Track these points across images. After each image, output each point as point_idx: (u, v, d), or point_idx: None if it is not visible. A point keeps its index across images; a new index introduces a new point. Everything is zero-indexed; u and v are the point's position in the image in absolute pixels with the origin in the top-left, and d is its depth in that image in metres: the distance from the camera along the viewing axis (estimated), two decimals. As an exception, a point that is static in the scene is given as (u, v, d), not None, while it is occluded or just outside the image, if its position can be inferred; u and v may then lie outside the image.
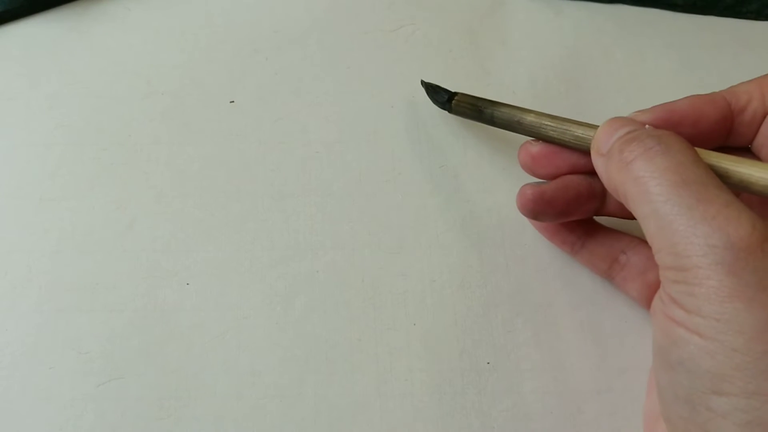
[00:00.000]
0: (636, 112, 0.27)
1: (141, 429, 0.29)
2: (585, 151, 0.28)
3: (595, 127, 0.27)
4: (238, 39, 0.37)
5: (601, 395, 0.30)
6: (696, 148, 0.24)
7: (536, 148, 0.29)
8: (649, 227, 0.22)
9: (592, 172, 0.27)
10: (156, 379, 0.30)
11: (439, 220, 0.33)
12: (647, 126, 0.25)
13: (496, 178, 0.34)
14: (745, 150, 0.28)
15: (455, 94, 0.33)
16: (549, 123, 0.29)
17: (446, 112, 0.34)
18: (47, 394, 0.29)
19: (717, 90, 0.28)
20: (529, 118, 0.30)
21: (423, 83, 0.35)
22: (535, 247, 0.33)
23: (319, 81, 0.37)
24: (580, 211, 0.29)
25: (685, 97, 0.27)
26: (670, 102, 0.27)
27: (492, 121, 0.32)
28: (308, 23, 0.38)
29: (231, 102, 0.36)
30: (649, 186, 0.22)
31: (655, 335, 0.23)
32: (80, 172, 0.33)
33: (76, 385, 0.29)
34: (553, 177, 0.29)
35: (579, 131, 0.28)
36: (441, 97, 0.34)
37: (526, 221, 0.33)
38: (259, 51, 0.37)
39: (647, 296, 0.29)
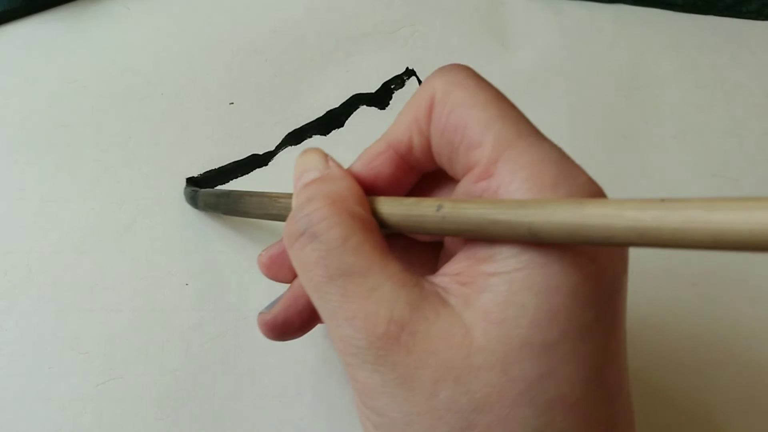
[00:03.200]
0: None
1: (140, 429, 0.29)
2: None
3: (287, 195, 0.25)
4: (237, 40, 0.37)
5: (601, 395, 0.30)
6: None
7: (264, 256, 0.26)
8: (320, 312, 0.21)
9: None
10: (156, 379, 0.30)
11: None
12: (330, 164, 0.23)
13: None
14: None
15: (196, 191, 0.32)
16: (249, 198, 0.27)
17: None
18: (47, 394, 0.29)
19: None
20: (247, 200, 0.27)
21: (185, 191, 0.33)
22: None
23: (319, 83, 0.37)
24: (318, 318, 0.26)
25: (360, 155, 0.24)
26: (352, 165, 0.24)
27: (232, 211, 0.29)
28: (308, 24, 0.38)
29: (230, 103, 0.36)
30: (303, 281, 0.21)
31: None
32: (80, 173, 0.33)
33: (76, 385, 0.29)
34: (291, 279, 0.26)
35: (281, 201, 0.25)
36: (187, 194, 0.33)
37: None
38: (258, 52, 0.37)
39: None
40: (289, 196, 0.24)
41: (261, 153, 0.35)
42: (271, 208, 0.25)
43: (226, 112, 0.36)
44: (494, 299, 0.18)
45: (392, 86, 0.37)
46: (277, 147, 0.35)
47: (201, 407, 0.29)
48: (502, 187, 0.19)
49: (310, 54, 0.37)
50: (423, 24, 0.39)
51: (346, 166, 0.23)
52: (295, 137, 0.35)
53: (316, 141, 0.35)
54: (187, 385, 0.29)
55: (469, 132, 0.20)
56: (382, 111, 0.36)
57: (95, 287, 0.31)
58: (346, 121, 0.36)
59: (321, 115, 0.36)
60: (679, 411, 0.30)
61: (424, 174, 0.23)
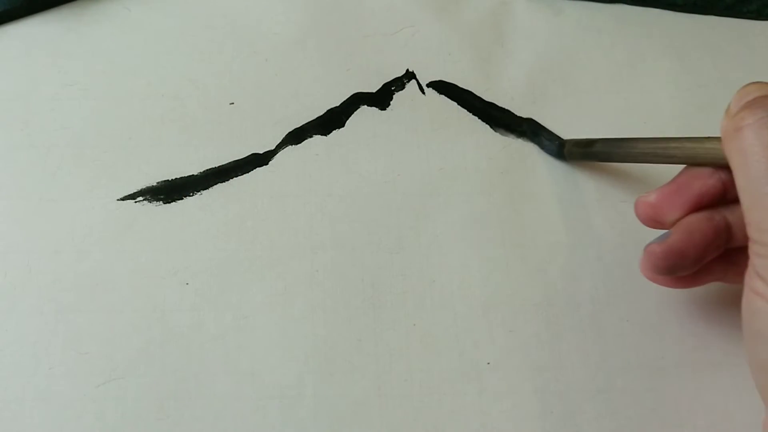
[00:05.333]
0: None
1: (141, 429, 0.29)
2: (710, 168, 0.27)
3: (703, 139, 0.27)
4: (237, 40, 0.38)
5: (602, 395, 0.30)
6: None
7: (653, 196, 0.28)
8: (743, 199, 0.23)
9: (716, 203, 0.27)
10: (156, 379, 0.29)
11: (438, 220, 0.33)
12: None
13: (494, 179, 0.34)
14: None
15: (564, 141, 0.34)
16: (670, 144, 0.28)
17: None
18: (47, 394, 0.29)
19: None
20: (642, 145, 0.29)
21: (525, 126, 0.35)
22: (535, 247, 0.33)
23: (319, 83, 0.37)
24: (711, 252, 0.28)
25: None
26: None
27: (611, 159, 0.32)
28: (308, 25, 0.38)
29: (231, 104, 0.36)
30: (749, 160, 0.22)
31: (742, 308, 0.24)
32: (80, 173, 0.33)
33: (76, 385, 0.29)
34: (678, 219, 0.28)
35: (706, 144, 0.27)
36: (548, 145, 0.34)
37: (526, 222, 0.33)
38: (259, 53, 0.37)
39: None
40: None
41: (261, 152, 0.35)
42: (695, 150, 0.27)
43: (226, 112, 0.36)
44: None
45: (392, 88, 0.37)
46: (277, 146, 0.35)
47: (201, 407, 0.29)
48: None
49: (310, 54, 0.37)
50: (423, 26, 0.39)
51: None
52: (295, 136, 0.35)
53: (316, 140, 0.35)
54: (187, 385, 0.29)
55: None
56: (383, 111, 0.36)
57: (95, 287, 0.31)
58: (347, 121, 0.36)
59: (321, 114, 0.36)
60: (680, 411, 0.30)
61: None
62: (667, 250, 0.27)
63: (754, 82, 0.25)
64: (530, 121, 0.35)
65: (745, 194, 0.23)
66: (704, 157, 0.27)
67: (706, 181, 0.27)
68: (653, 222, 0.28)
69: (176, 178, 0.34)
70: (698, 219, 0.27)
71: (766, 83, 0.25)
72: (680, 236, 0.27)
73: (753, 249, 0.23)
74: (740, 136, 0.23)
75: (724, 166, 0.26)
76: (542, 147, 0.35)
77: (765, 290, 0.22)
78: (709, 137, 0.27)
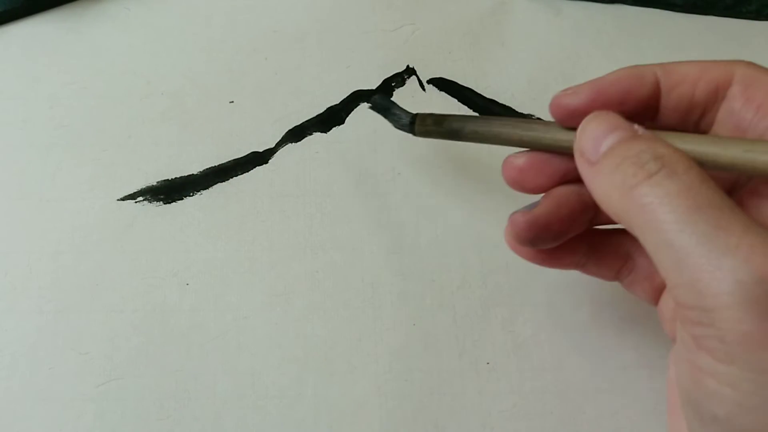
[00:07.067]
0: (565, 91, 0.25)
1: (141, 429, 0.29)
2: (569, 154, 0.25)
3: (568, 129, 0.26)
4: (237, 39, 0.37)
5: (602, 395, 0.30)
6: (660, 132, 0.22)
7: (521, 159, 0.27)
8: (662, 260, 0.20)
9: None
10: (156, 379, 0.29)
11: (438, 220, 0.33)
12: (637, 128, 0.22)
13: (495, 178, 0.34)
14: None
15: (415, 115, 0.30)
16: (519, 130, 0.27)
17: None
18: (47, 394, 0.29)
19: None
20: (498, 128, 0.27)
21: (374, 101, 0.33)
22: (535, 247, 0.33)
23: (319, 81, 0.37)
24: (576, 228, 0.27)
25: (614, 72, 0.25)
26: (598, 79, 0.25)
27: (461, 137, 0.29)
28: (308, 23, 0.38)
29: (231, 102, 0.36)
30: (658, 214, 0.19)
31: (680, 380, 0.21)
32: (80, 173, 0.33)
33: (76, 385, 0.29)
34: (544, 189, 0.27)
35: (557, 134, 0.26)
36: (399, 118, 0.31)
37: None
38: (258, 51, 0.37)
39: (656, 297, 0.28)
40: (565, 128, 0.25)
41: (261, 150, 0.35)
42: (545, 135, 0.26)
43: (226, 110, 0.36)
44: None
45: (393, 84, 0.37)
46: (277, 144, 0.35)
47: (202, 408, 0.29)
48: None
49: (310, 52, 0.37)
50: (423, 23, 0.39)
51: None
52: (295, 134, 0.35)
53: (316, 138, 0.35)
54: (187, 385, 0.29)
55: None
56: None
57: (95, 287, 0.31)
58: (347, 118, 0.36)
59: (321, 111, 0.36)
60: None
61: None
62: (532, 221, 0.26)
63: (597, 118, 0.23)
64: (380, 95, 0.33)
65: (662, 253, 0.20)
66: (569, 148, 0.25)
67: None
68: (517, 186, 0.27)
69: (176, 178, 0.34)
70: (568, 192, 0.26)
71: (611, 118, 0.23)
72: (547, 208, 0.26)
73: (688, 316, 0.19)
74: (636, 194, 0.20)
75: None
76: (394, 123, 0.31)
77: (715, 369, 0.18)
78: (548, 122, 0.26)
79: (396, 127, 0.31)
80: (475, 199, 0.34)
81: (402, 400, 0.30)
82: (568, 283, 0.32)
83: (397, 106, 0.31)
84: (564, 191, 0.26)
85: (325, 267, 0.32)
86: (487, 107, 0.36)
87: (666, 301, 0.25)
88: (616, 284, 0.32)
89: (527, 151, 0.27)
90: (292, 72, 0.37)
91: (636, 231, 0.21)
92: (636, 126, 0.23)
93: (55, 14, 0.38)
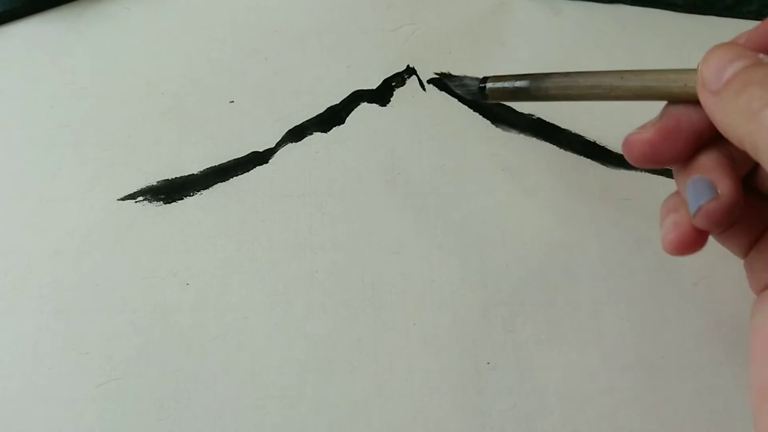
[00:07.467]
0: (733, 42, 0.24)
1: (141, 429, 0.29)
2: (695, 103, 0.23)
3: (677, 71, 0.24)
4: (237, 39, 0.37)
5: (602, 395, 0.30)
6: None
7: (649, 133, 0.25)
8: None
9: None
10: (156, 379, 0.30)
11: (439, 220, 0.33)
12: (761, 56, 0.22)
13: (495, 178, 0.34)
14: None
15: (485, 78, 0.29)
16: (640, 76, 0.25)
17: (479, 101, 0.32)
18: (47, 394, 0.29)
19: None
20: (597, 79, 0.26)
21: (435, 78, 0.33)
22: (535, 247, 0.33)
23: (319, 81, 0.37)
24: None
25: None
26: (753, 29, 0.24)
27: (538, 95, 0.27)
28: (308, 23, 0.38)
29: (231, 102, 0.36)
30: None
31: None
32: (80, 173, 0.33)
33: (76, 385, 0.29)
34: (683, 157, 0.25)
35: (669, 78, 0.24)
36: (466, 85, 0.31)
37: (526, 221, 0.33)
38: (258, 51, 0.37)
39: (749, 249, 0.26)
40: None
41: (261, 150, 0.35)
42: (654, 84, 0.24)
43: (226, 110, 0.35)
44: None
45: (393, 83, 0.37)
46: (277, 144, 0.35)
47: (202, 407, 0.29)
48: None
49: (310, 52, 0.37)
50: (423, 23, 0.39)
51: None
52: (295, 134, 0.35)
53: (316, 138, 0.35)
54: (187, 385, 0.29)
55: None
56: (383, 108, 0.36)
57: (95, 287, 0.31)
58: (347, 118, 0.36)
59: (321, 111, 0.36)
60: (680, 411, 0.30)
61: None
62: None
63: (722, 47, 0.22)
64: (444, 74, 0.33)
65: None
66: (680, 95, 0.24)
67: (703, 114, 0.24)
68: (651, 162, 0.25)
69: (176, 178, 0.34)
70: (685, 111, 0.24)
71: (735, 46, 0.23)
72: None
73: None
74: (762, 117, 0.20)
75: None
76: (462, 90, 0.32)
77: None
78: (685, 69, 0.24)
79: (463, 94, 0.31)
80: (476, 199, 0.34)
81: (402, 400, 0.30)
82: (568, 283, 0.32)
83: (457, 76, 0.32)
84: (680, 110, 0.25)
85: (325, 267, 0.32)
86: (487, 106, 0.36)
87: (761, 251, 0.24)
88: (615, 283, 0.32)
89: (654, 122, 0.25)
90: (292, 72, 0.37)
91: (761, 153, 0.20)
92: (761, 55, 0.22)
93: (55, 14, 0.38)
